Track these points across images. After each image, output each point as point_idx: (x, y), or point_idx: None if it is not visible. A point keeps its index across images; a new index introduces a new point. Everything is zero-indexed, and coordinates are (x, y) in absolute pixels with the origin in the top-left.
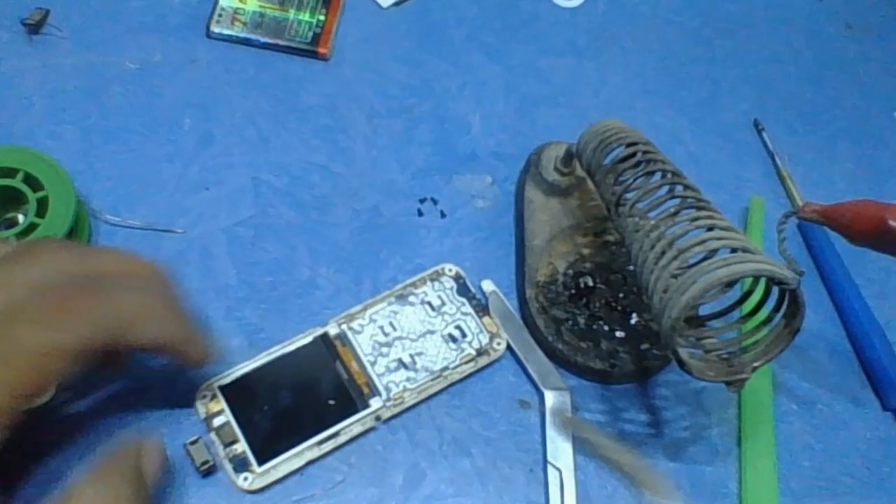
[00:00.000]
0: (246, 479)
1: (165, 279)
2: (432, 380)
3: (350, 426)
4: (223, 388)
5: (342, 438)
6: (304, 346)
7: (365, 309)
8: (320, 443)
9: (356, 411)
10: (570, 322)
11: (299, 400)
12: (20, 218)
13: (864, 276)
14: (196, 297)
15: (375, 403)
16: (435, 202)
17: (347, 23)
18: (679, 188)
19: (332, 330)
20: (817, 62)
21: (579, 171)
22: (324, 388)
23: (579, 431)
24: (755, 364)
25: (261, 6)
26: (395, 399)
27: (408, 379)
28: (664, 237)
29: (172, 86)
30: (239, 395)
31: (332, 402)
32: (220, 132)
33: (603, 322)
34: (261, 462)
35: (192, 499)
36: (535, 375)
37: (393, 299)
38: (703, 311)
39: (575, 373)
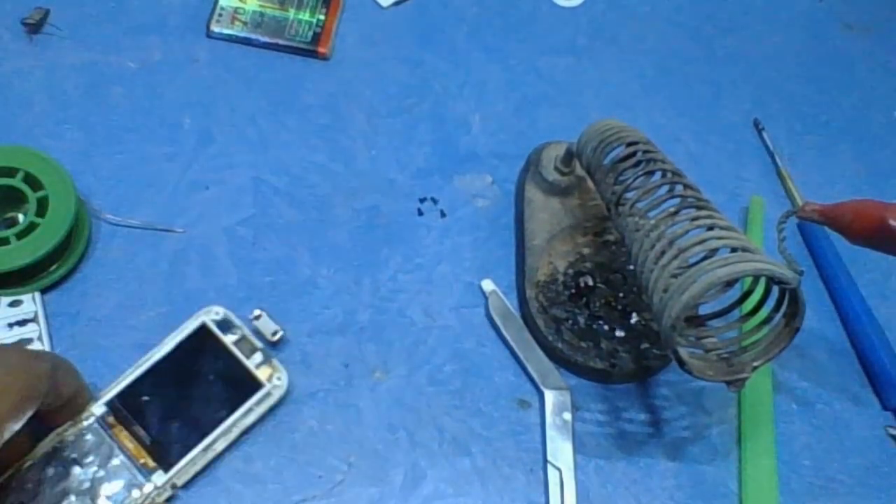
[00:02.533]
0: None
1: None
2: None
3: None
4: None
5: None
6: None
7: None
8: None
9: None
10: (570, 321)
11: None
12: (20, 217)
13: (864, 276)
14: (196, 296)
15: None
16: (435, 202)
17: (347, 23)
18: (679, 187)
19: None
20: (817, 62)
21: (579, 171)
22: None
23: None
24: (755, 363)
25: (261, 6)
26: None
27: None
28: (664, 236)
29: (172, 86)
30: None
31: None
32: (220, 132)
33: (603, 321)
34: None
35: None
36: (535, 375)
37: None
38: (703, 310)
39: (575, 372)
